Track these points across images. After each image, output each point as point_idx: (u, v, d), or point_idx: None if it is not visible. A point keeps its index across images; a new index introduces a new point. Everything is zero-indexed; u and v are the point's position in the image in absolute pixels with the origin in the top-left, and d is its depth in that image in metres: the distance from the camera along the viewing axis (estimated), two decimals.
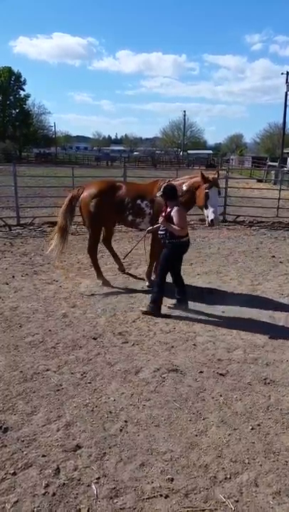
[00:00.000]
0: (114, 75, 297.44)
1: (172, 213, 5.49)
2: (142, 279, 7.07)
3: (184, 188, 6.05)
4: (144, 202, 6.52)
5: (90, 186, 6.79)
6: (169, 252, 5.64)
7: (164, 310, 5.73)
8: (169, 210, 5.56)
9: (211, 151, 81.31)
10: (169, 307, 5.90)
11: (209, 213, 5.77)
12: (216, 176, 5.96)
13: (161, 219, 5.56)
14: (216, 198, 5.83)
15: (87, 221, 6.72)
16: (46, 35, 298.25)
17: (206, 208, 5.80)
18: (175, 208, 5.49)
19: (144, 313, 5.67)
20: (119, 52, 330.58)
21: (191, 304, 5.92)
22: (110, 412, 3.53)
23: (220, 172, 6.34)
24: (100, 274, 6.93)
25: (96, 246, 6.90)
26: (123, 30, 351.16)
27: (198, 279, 7.30)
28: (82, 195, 6.65)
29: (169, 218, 5.50)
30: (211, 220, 5.74)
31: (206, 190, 5.76)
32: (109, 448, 3.11)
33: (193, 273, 7.68)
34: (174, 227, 5.44)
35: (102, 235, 7.24)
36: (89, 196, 6.55)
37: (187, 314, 5.68)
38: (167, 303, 5.89)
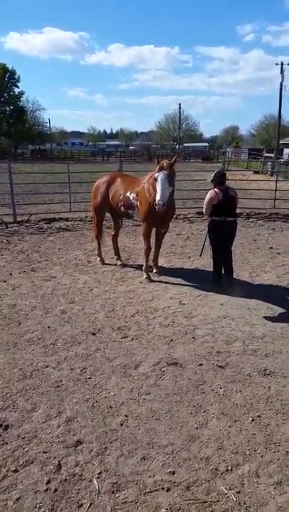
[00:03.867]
0: (107, 69, 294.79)
1: None
2: (141, 268, 7.05)
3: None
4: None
5: None
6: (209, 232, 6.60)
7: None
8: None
9: (207, 144, 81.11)
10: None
11: (156, 195, 5.93)
12: (171, 161, 6.14)
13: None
14: (164, 182, 5.92)
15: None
16: (37, 31, 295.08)
17: (156, 191, 5.99)
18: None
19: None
20: (111, 45, 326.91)
21: (190, 295, 5.92)
22: (110, 407, 3.53)
23: (177, 159, 6.63)
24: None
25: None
26: (114, 23, 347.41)
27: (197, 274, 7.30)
28: None
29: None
30: (155, 203, 5.92)
31: (155, 174, 6.02)
32: (110, 443, 3.11)
33: (192, 266, 7.68)
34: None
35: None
36: None
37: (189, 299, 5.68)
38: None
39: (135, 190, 6.82)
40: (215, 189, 6.25)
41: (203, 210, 6.48)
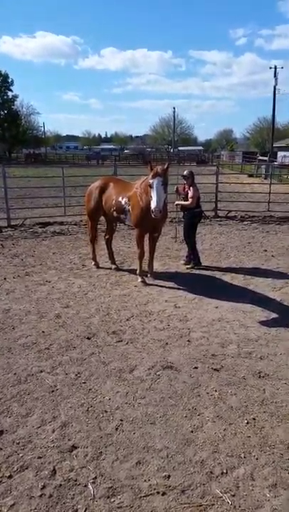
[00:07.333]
0: (100, 73, 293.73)
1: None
2: (135, 272, 7.04)
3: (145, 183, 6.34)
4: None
5: None
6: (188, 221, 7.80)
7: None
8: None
9: (201, 147, 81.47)
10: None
11: (152, 202, 5.93)
12: (165, 167, 6.12)
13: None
14: (160, 188, 5.92)
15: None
16: (29, 35, 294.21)
17: (151, 198, 5.96)
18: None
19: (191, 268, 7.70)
20: (103, 49, 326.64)
21: (184, 299, 5.92)
22: (105, 412, 3.52)
23: (169, 164, 6.57)
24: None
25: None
26: (107, 27, 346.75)
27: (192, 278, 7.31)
28: None
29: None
30: (151, 210, 5.93)
31: (150, 181, 5.99)
32: (105, 447, 3.10)
33: (187, 270, 7.69)
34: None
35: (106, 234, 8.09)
36: None
37: (184, 304, 5.69)
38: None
39: (127, 195, 6.80)
40: (195, 186, 7.64)
41: (190, 203, 7.52)
